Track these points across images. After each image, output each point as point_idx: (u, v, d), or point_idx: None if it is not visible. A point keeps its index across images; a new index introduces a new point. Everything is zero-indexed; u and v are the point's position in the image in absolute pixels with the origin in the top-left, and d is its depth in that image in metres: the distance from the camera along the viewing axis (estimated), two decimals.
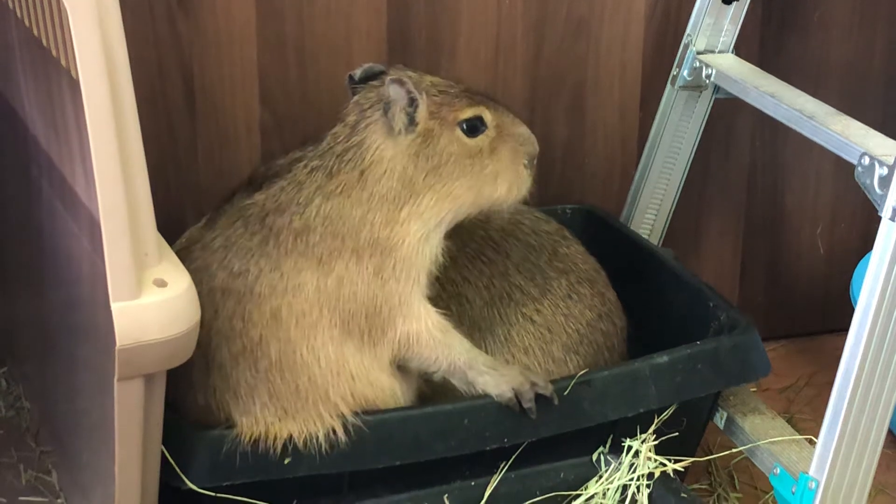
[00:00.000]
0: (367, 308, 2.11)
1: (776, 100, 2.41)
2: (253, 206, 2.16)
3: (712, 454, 2.50)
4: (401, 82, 2.10)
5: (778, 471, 2.26)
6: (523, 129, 2.24)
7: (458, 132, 2.15)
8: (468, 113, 2.16)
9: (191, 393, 2.12)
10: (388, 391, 2.15)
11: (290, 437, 2.07)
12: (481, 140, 2.17)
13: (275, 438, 2.06)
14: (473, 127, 2.17)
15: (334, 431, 2.08)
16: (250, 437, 2.06)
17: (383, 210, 2.12)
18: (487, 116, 2.19)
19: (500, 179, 2.18)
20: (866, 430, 2.14)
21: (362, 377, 2.12)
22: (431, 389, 2.25)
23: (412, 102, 2.11)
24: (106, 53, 1.74)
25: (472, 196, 2.17)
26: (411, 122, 2.12)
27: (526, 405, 2.13)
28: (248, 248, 2.12)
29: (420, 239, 2.13)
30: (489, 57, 2.79)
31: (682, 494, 2.15)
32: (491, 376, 2.14)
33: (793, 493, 2.20)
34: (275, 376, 2.09)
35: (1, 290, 2.70)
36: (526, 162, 2.22)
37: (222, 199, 2.44)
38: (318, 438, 2.07)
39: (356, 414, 2.10)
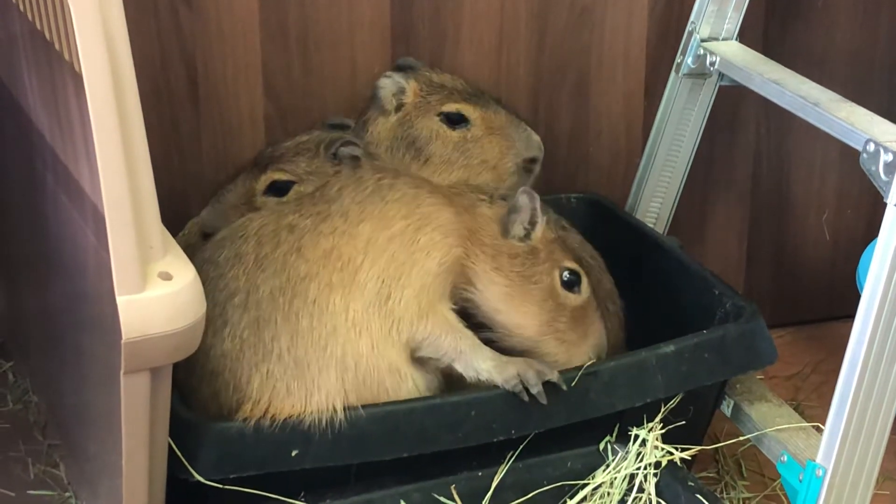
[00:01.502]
0: (400, 274, 2.14)
1: (781, 87, 2.41)
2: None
3: (719, 442, 2.50)
4: (531, 196, 2.26)
5: (785, 458, 2.26)
6: None
7: (557, 273, 2.29)
8: (572, 265, 2.32)
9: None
10: (399, 373, 2.14)
11: (296, 415, 2.06)
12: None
13: (279, 410, 2.06)
14: (570, 283, 2.31)
15: (335, 415, 2.07)
16: (258, 401, 2.06)
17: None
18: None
19: None
20: (873, 417, 2.14)
21: (379, 348, 2.11)
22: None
23: (532, 221, 2.27)
24: (109, 47, 1.73)
25: None
26: (526, 236, 2.28)
27: (533, 391, 2.13)
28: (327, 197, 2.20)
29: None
30: (492, 46, 2.78)
31: (690, 483, 2.15)
32: (495, 363, 2.14)
33: (800, 481, 2.20)
34: (303, 318, 2.09)
35: (7, 284, 2.71)
36: None
37: (227, 177, 2.45)
38: (323, 409, 2.07)
39: (360, 407, 2.10)
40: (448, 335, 2.16)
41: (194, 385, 2.13)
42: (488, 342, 2.21)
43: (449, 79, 2.62)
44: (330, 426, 2.07)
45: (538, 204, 2.27)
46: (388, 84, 2.57)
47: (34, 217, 2.31)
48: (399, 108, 2.57)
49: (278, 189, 2.41)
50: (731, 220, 3.07)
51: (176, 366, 1.91)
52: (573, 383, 2.19)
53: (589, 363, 2.22)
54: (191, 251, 2.16)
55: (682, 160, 2.79)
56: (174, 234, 1.99)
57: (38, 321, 2.52)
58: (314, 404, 2.07)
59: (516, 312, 2.24)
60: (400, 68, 2.62)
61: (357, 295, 2.11)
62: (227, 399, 2.10)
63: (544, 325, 2.26)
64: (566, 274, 2.29)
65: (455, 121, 2.57)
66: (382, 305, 2.12)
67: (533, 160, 2.63)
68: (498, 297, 2.24)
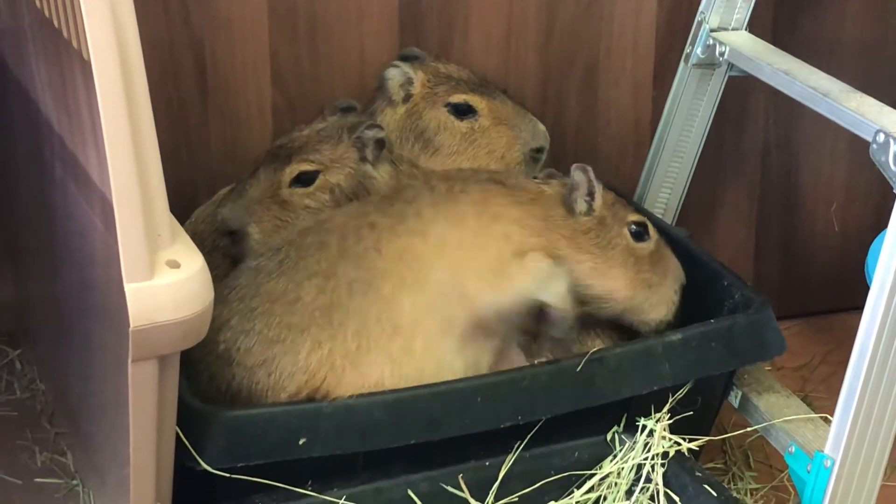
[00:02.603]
0: (474, 264, 2.22)
1: (790, 77, 2.40)
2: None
3: (727, 433, 2.50)
4: (584, 170, 2.33)
5: (793, 449, 2.25)
6: None
7: (626, 231, 2.38)
8: (635, 217, 2.40)
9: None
10: (444, 371, 2.18)
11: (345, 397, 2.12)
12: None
13: (331, 389, 2.12)
14: (639, 234, 2.40)
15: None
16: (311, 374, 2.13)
17: None
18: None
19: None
20: (882, 408, 2.14)
21: (431, 348, 2.17)
22: None
23: (590, 192, 2.35)
24: (117, 34, 1.73)
25: None
26: (589, 208, 2.35)
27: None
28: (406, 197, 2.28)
29: None
30: (501, 35, 2.78)
31: (697, 473, 2.14)
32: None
33: (808, 472, 2.20)
34: (372, 310, 2.15)
35: (14, 272, 2.71)
36: None
37: (248, 173, 2.44)
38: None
39: (366, 395, 2.11)
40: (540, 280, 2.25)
41: (237, 356, 2.15)
42: (585, 316, 2.32)
43: (455, 69, 2.62)
44: (337, 414, 2.08)
45: (592, 174, 2.34)
46: (396, 74, 2.56)
47: (42, 205, 2.31)
48: (407, 98, 2.57)
49: (305, 180, 2.39)
50: (740, 210, 3.07)
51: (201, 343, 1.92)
52: (578, 368, 2.19)
53: (595, 349, 2.23)
54: (198, 240, 2.16)
55: (691, 151, 2.78)
56: (182, 223, 1.99)
57: (45, 309, 2.52)
58: (364, 391, 2.13)
59: (606, 280, 2.33)
60: (406, 58, 2.62)
61: (424, 292, 2.18)
62: (280, 368, 2.13)
63: (633, 280, 2.36)
64: (633, 227, 2.39)
65: (463, 111, 2.58)
66: (448, 302, 2.18)
67: (539, 150, 2.63)
68: (586, 274, 2.32)
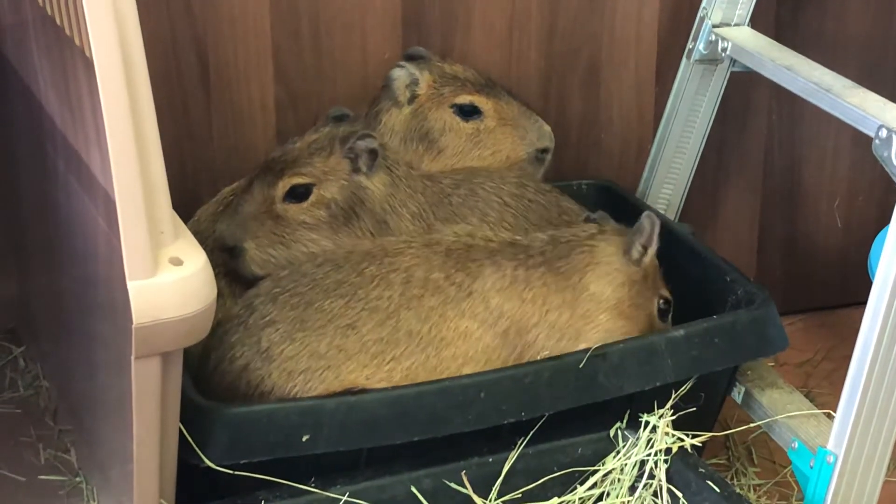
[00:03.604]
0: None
1: (793, 73, 2.40)
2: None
3: (730, 429, 2.50)
4: (652, 222, 2.34)
5: (796, 445, 2.25)
6: None
7: (657, 301, 2.37)
8: (666, 293, 2.39)
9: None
10: None
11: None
12: None
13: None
14: (664, 312, 2.39)
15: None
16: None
17: None
18: None
19: None
20: (885, 404, 2.14)
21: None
22: None
23: (646, 245, 2.35)
24: (119, 31, 1.73)
25: None
26: (640, 259, 2.34)
27: None
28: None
29: None
30: (503, 31, 2.78)
31: (700, 469, 2.14)
32: None
33: (811, 468, 2.20)
34: (430, 361, 2.22)
35: (18, 269, 2.71)
36: None
37: (240, 187, 2.43)
38: None
39: (369, 391, 2.12)
40: None
41: (279, 357, 2.18)
42: None
43: (461, 69, 2.62)
44: (341, 411, 2.08)
45: (658, 229, 2.33)
46: (402, 75, 2.56)
47: (45, 202, 2.31)
48: (412, 99, 2.57)
49: (298, 194, 2.38)
50: (743, 206, 3.06)
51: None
52: (581, 365, 2.19)
53: (597, 345, 2.23)
54: (200, 238, 2.16)
55: (694, 147, 2.78)
56: (185, 220, 1.99)
57: (49, 306, 2.52)
58: None
59: (614, 331, 2.30)
60: (411, 58, 2.61)
61: (486, 365, 2.24)
62: (321, 378, 2.16)
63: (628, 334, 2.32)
64: (662, 303, 2.37)
65: (468, 112, 2.58)
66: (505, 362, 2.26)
67: (545, 150, 2.64)
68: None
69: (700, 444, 2.20)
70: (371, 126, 2.55)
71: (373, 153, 2.39)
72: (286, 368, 2.17)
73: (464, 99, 2.58)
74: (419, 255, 2.27)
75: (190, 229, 1.96)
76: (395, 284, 2.23)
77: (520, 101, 2.63)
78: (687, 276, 2.56)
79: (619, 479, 2.17)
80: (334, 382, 2.16)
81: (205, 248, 1.90)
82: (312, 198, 2.38)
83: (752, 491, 2.54)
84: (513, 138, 2.60)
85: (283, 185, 2.38)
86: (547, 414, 2.19)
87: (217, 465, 2.04)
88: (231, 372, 2.19)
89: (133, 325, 1.79)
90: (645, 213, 2.34)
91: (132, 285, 1.79)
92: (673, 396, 2.23)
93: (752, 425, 2.40)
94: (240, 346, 2.20)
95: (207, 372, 2.23)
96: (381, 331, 2.20)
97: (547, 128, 2.64)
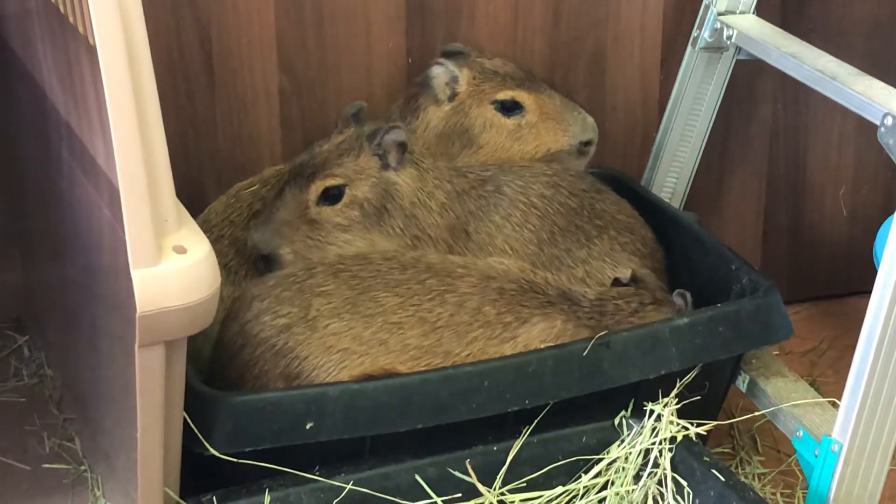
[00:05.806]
0: None
1: (798, 60, 2.39)
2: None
3: (735, 417, 2.50)
4: (684, 298, 2.39)
5: (801, 433, 2.25)
6: None
7: None
8: None
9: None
10: None
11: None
12: None
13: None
14: None
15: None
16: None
17: None
18: None
19: None
20: (889, 392, 2.14)
21: None
22: None
23: None
24: (123, 20, 1.73)
25: None
26: None
27: None
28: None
29: None
30: (508, 20, 2.77)
31: (705, 458, 2.14)
32: None
33: (816, 456, 2.20)
34: None
35: (22, 258, 2.71)
36: None
37: (273, 194, 2.43)
38: None
39: (374, 379, 2.13)
40: None
41: (323, 331, 2.20)
42: None
43: (500, 64, 2.61)
44: (344, 399, 2.08)
45: (689, 305, 2.37)
46: (441, 73, 2.55)
47: (49, 191, 2.31)
48: (453, 97, 2.56)
49: (331, 196, 2.38)
50: (748, 195, 3.06)
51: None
52: (585, 353, 2.19)
53: (601, 333, 2.23)
54: (211, 235, 2.17)
55: (699, 135, 2.78)
56: (189, 208, 1.99)
57: (53, 295, 2.52)
58: None
59: None
60: (448, 54, 2.60)
61: None
62: (357, 364, 2.18)
63: None
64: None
65: (510, 108, 2.57)
66: None
67: (588, 142, 2.63)
68: None
69: (705, 433, 2.20)
70: (408, 122, 2.55)
71: (402, 146, 2.39)
72: (327, 343, 2.19)
73: (505, 94, 2.57)
74: (476, 285, 2.29)
75: (200, 224, 1.95)
76: (448, 304, 2.26)
77: (562, 93, 2.62)
78: (692, 265, 2.56)
79: (623, 468, 2.17)
80: (368, 370, 2.18)
81: (216, 243, 1.90)
82: (345, 199, 2.38)
83: (756, 479, 2.54)
84: (555, 132, 2.59)
85: (316, 189, 2.38)
86: (551, 402, 2.19)
87: (221, 454, 2.04)
88: (273, 327, 2.21)
89: (137, 314, 1.79)
90: (677, 292, 2.38)
91: (136, 274, 1.79)
92: (678, 385, 2.23)
93: (756, 414, 2.40)
94: (288, 305, 2.22)
95: (245, 319, 2.24)
96: (424, 340, 2.22)
97: (590, 120, 2.63)
